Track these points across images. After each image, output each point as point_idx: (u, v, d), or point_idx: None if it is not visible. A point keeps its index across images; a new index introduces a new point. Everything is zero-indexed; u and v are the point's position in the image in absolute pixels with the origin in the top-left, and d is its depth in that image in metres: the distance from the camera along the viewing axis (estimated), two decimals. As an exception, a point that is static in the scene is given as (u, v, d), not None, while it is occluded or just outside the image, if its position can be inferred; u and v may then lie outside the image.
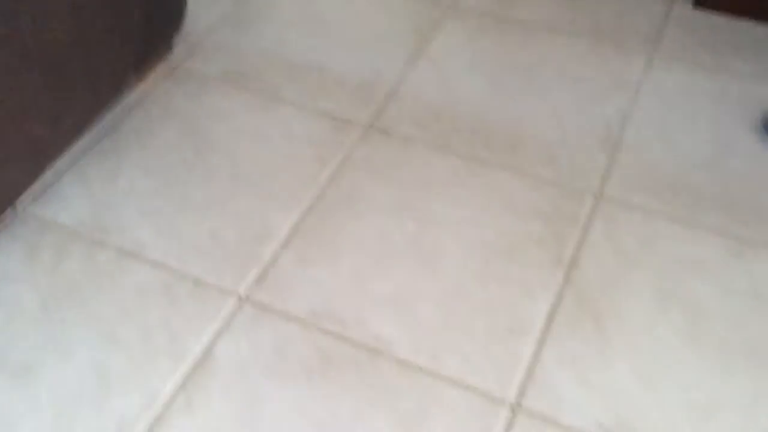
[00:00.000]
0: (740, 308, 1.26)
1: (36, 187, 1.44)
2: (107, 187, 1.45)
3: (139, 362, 1.19)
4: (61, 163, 1.49)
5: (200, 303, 1.27)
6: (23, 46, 1.19)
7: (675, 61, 1.70)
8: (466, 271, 1.31)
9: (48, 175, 1.47)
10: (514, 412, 1.13)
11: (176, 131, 1.56)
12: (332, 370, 1.19)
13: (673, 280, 1.30)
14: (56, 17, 1.24)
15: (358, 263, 1.33)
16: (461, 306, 1.27)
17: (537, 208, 1.41)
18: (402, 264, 1.33)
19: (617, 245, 1.35)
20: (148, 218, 1.40)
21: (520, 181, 1.46)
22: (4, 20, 1.13)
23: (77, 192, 1.44)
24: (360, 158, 1.51)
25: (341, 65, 1.71)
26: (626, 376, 1.18)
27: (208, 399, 1.15)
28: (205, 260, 1.33)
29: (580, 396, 1.15)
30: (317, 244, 1.36)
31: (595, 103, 1.61)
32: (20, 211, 1.40)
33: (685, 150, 1.51)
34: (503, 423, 1.12)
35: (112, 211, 1.41)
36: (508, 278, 1.30)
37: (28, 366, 1.18)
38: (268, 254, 1.34)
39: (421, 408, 1.14)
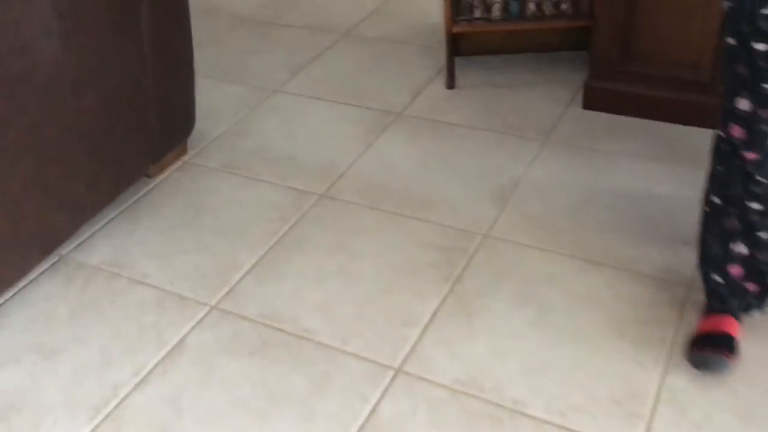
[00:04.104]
0: (578, 306, 1.66)
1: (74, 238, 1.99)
2: (125, 240, 1.99)
3: (132, 346, 1.67)
4: (94, 224, 2.04)
5: (182, 309, 1.76)
6: (68, 130, 1.78)
7: (562, 144, 2.20)
8: (377, 285, 1.77)
9: (84, 230, 2.02)
10: (396, 374, 1.55)
11: (181, 203, 2.11)
12: (271, 350, 1.63)
13: (531, 288, 1.72)
14: (90, 113, 1.83)
15: (299, 282, 1.81)
16: (370, 308, 1.72)
17: (437, 244, 1.88)
18: (332, 281, 1.80)
19: (493, 267, 1.79)
20: (153, 259, 1.92)
21: (427, 227, 1.94)
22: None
23: (104, 243, 1.98)
24: (312, 216, 2.02)
25: (307, 157, 2.26)
26: (483, 351, 1.59)
27: (177, 371, 1.60)
28: (190, 283, 1.83)
29: (446, 364, 1.56)
30: (273, 271, 1.85)
31: (494, 174, 2.10)
32: (63, 255, 1.94)
33: (556, 203, 1.97)
34: (387, 381, 1.54)
35: (128, 255, 1.94)
36: (407, 289, 1.76)
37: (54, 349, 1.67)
38: (237, 277, 1.83)
39: (326, 373, 1.57)
